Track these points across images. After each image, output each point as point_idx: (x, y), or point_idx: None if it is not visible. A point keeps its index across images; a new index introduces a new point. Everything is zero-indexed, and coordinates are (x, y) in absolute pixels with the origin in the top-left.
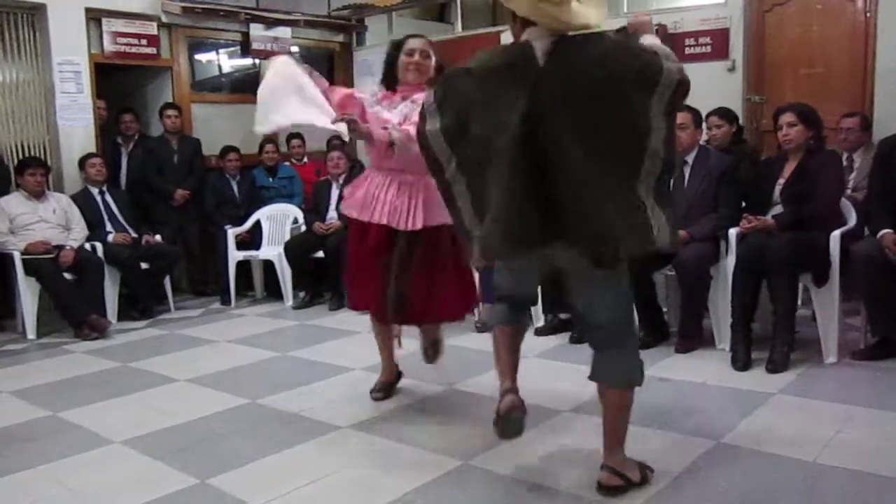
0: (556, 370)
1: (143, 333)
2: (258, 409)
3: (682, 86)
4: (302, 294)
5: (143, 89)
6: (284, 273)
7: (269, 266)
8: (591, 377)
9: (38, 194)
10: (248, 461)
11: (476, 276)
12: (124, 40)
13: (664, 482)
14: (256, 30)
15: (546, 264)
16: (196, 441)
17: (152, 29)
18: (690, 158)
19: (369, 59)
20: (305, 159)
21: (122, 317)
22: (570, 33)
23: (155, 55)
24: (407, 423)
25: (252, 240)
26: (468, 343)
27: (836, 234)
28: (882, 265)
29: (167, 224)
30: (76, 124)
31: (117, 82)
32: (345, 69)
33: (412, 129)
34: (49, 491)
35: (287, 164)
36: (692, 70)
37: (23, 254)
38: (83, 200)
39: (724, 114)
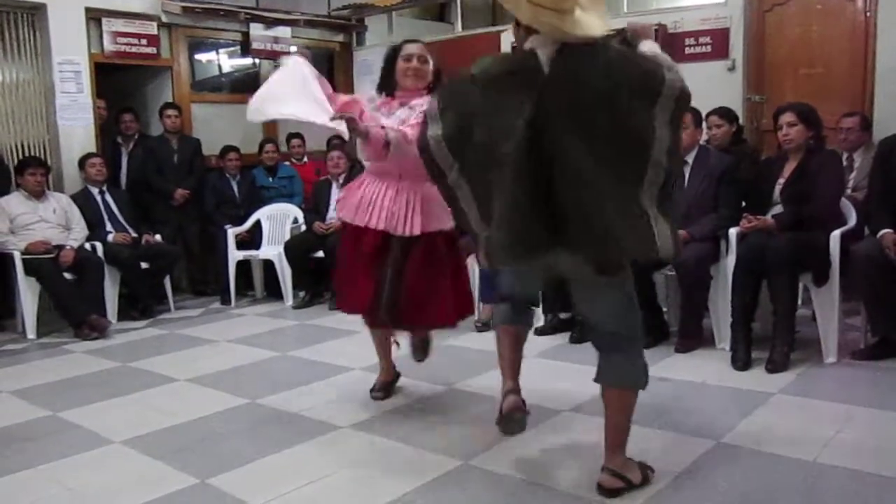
0: (556, 370)
1: (143, 333)
2: (258, 408)
3: (683, 98)
4: (302, 294)
5: (143, 89)
6: (284, 273)
7: (269, 266)
8: (596, 379)
9: (38, 194)
10: (248, 461)
11: (476, 276)
12: (124, 40)
13: (664, 482)
14: (256, 29)
15: (549, 270)
16: (196, 441)
17: (152, 29)
18: (690, 158)
19: (369, 58)
20: (305, 159)
21: (122, 316)
22: (574, 42)
23: (155, 55)
24: (407, 423)
25: (252, 239)
26: (468, 343)
27: (836, 234)
28: (882, 265)
29: (167, 224)
30: (76, 124)
31: (117, 82)
32: (345, 69)
33: (409, 132)
34: (49, 491)
35: (287, 163)
36: (692, 70)
37: (23, 253)
38: (83, 200)
39: (724, 113)
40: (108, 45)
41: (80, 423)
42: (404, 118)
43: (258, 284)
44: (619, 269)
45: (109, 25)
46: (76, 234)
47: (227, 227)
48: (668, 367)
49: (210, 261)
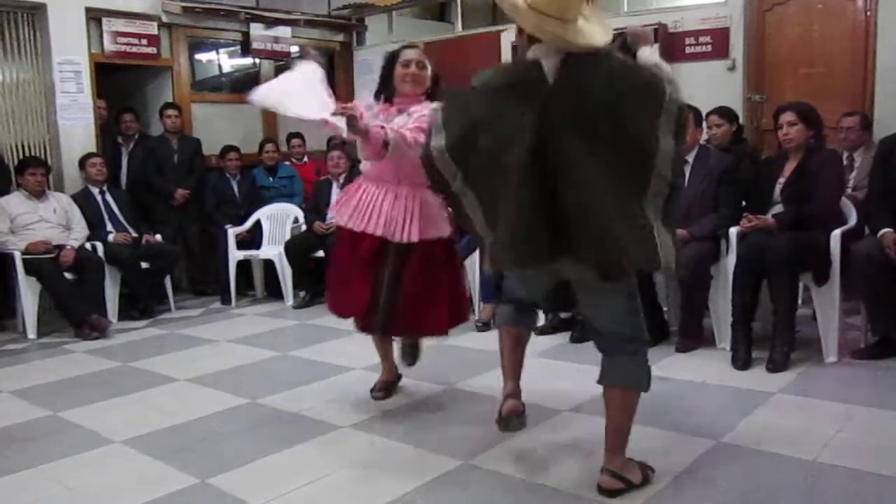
0: (556, 370)
1: (144, 333)
2: (258, 408)
3: (683, 112)
4: (302, 293)
5: (144, 89)
6: (285, 272)
7: (269, 265)
8: (600, 381)
9: (38, 194)
10: (249, 461)
11: (477, 276)
12: (124, 40)
13: (664, 481)
14: (256, 29)
15: (554, 274)
16: (196, 441)
17: (152, 28)
18: (691, 157)
19: (369, 58)
20: (305, 159)
21: (122, 316)
22: (578, 51)
23: (155, 55)
24: (407, 423)
25: (252, 239)
26: (468, 343)
27: (836, 234)
28: (882, 264)
29: (167, 224)
30: (76, 124)
31: (117, 82)
32: (345, 69)
33: (408, 134)
34: (49, 490)
35: (287, 163)
36: (692, 69)
37: (23, 253)
38: (83, 200)
39: (724, 113)
40: (109, 45)
41: (80, 422)
42: (402, 125)
43: (258, 284)
44: (622, 275)
45: (110, 25)
46: (76, 234)
47: (227, 226)
48: (668, 367)
49: (210, 261)
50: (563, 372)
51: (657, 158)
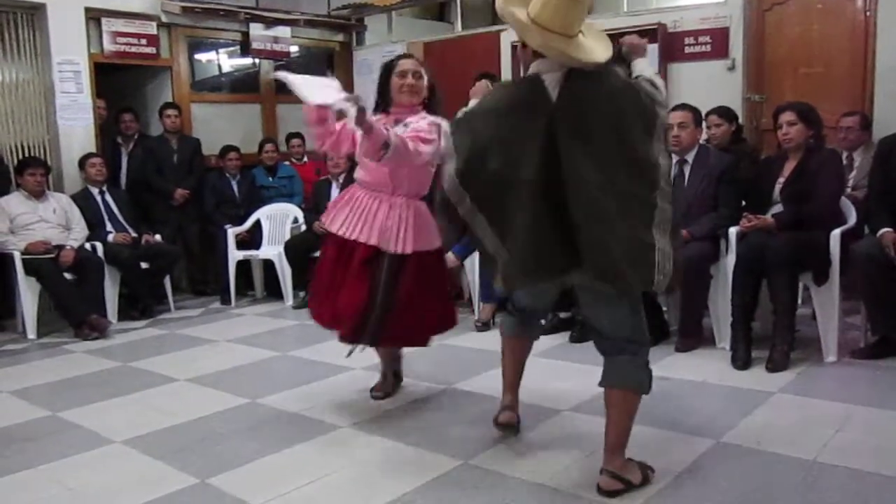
0: (555, 369)
1: (143, 333)
2: (258, 408)
3: (667, 135)
4: (302, 293)
5: (143, 89)
6: (284, 272)
7: (269, 265)
8: (601, 382)
9: (38, 194)
10: (248, 461)
11: (476, 277)
12: (124, 40)
13: (664, 481)
14: (256, 29)
15: (563, 284)
16: (196, 441)
17: (152, 29)
18: (690, 157)
19: (369, 58)
20: (305, 159)
21: (122, 316)
22: (581, 67)
23: (154, 55)
24: (407, 423)
25: (252, 239)
26: (468, 343)
27: (836, 233)
28: (882, 264)
29: (167, 224)
30: (76, 124)
31: (117, 82)
32: (345, 69)
33: (409, 143)
34: (49, 491)
35: (287, 163)
36: (692, 69)
37: (23, 254)
38: (83, 200)
39: (724, 113)
40: (108, 45)
41: (80, 423)
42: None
43: (258, 284)
44: (629, 288)
45: (109, 25)
46: (76, 234)
47: (226, 226)
48: (668, 367)
49: (210, 261)
50: (562, 372)
51: (658, 173)
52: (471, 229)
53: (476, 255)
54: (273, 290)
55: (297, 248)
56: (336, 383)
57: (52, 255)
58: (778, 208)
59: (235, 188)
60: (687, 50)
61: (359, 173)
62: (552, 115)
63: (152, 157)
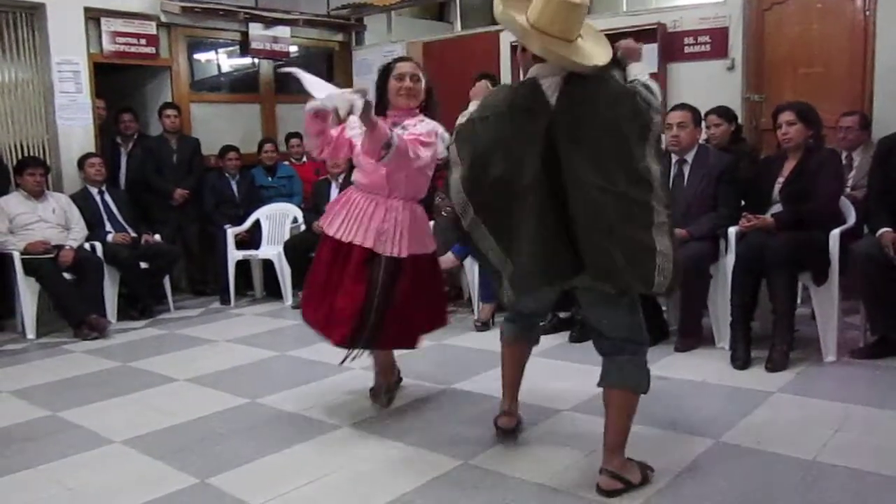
0: (555, 369)
1: (143, 333)
2: (258, 408)
3: (660, 142)
4: (301, 293)
5: (143, 89)
6: (284, 272)
7: (268, 265)
8: (600, 383)
9: (37, 194)
10: (248, 461)
11: (476, 277)
12: (123, 40)
13: (664, 481)
14: (255, 29)
15: (566, 286)
16: (196, 441)
17: (151, 28)
18: (690, 157)
19: (368, 58)
20: (305, 158)
21: (121, 316)
22: (580, 71)
23: (154, 55)
24: (407, 423)
25: (251, 239)
26: (468, 343)
27: (835, 233)
28: (881, 264)
29: (166, 224)
30: (75, 124)
31: (116, 82)
32: (344, 69)
33: (410, 146)
34: (49, 490)
35: (286, 163)
36: (691, 69)
37: (22, 253)
38: (82, 200)
39: (723, 112)
40: (107, 45)
41: (79, 422)
42: None
43: (257, 284)
44: (627, 290)
45: (108, 25)
46: (75, 234)
47: (226, 226)
48: (667, 366)
49: (209, 261)
50: (562, 371)
51: (652, 178)
52: (472, 243)
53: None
54: (272, 290)
55: (297, 248)
56: (335, 383)
57: (51, 255)
58: (777, 208)
59: (235, 188)
60: (686, 50)
61: (356, 176)
62: (551, 120)
63: (152, 157)
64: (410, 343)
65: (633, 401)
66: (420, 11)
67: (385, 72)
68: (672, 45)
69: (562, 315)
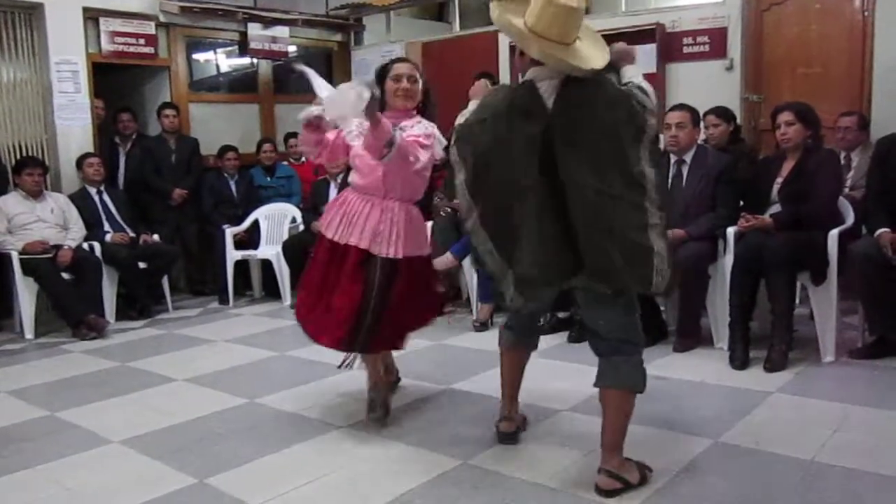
0: (554, 369)
1: (141, 333)
2: (256, 408)
3: (656, 143)
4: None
5: (141, 89)
6: (282, 272)
7: (267, 265)
8: (597, 383)
9: (35, 194)
10: (247, 461)
11: (475, 277)
12: (122, 40)
13: (662, 481)
14: (254, 29)
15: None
16: (194, 441)
17: (150, 28)
18: (688, 157)
19: (367, 58)
20: (304, 158)
21: (120, 316)
22: (578, 75)
23: (153, 55)
24: (406, 423)
25: (250, 239)
26: (467, 343)
27: (834, 233)
28: (880, 264)
29: (165, 224)
30: (74, 124)
31: (115, 82)
32: (343, 69)
33: (410, 147)
34: (47, 491)
35: (285, 163)
36: (690, 69)
37: (21, 253)
38: (81, 200)
39: (722, 113)
40: (106, 45)
41: (78, 422)
42: None
43: (256, 284)
44: (625, 290)
45: (107, 25)
46: (74, 234)
47: (225, 226)
48: (666, 367)
49: (208, 261)
50: (561, 372)
51: (646, 182)
52: (473, 246)
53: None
54: (271, 290)
55: (295, 248)
56: (335, 383)
57: (49, 255)
58: (776, 208)
59: (234, 188)
60: (685, 50)
61: (352, 177)
62: (548, 122)
63: (150, 156)
64: (400, 345)
65: (630, 400)
66: (419, 11)
67: (382, 73)
68: (671, 46)
69: (561, 315)
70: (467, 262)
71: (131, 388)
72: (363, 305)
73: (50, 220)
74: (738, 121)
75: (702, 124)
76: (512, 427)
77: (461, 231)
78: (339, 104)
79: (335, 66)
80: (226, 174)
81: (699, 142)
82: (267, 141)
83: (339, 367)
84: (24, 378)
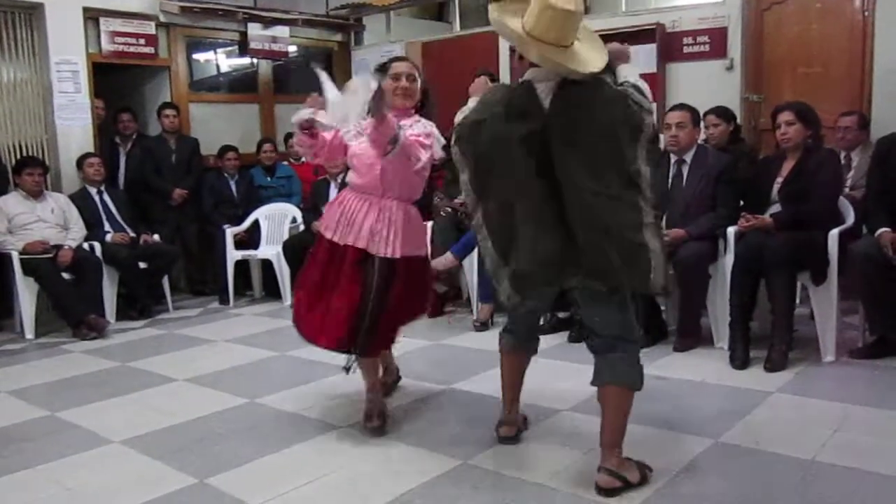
0: (554, 369)
1: (142, 333)
2: (257, 408)
3: (654, 142)
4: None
5: (141, 89)
6: (283, 272)
7: (267, 265)
8: (594, 381)
9: (36, 194)
10: (247, 461)
11: (475, 277)
12: (122, 40)
13: (662, 481)
14: (254, 29)
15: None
16: (195, 441)
17: (150, 28)
18: (689, 157)
19: (367, 58)
20: (304, 158)
21: (120, 316)
22: (575, 77)
23: (153, 55)
24: (406, 423)
25: (250, 239)
26: (467, 343)
27: (834, 233)
28: (880, 264)
29: (165, 224)
30: (74, 124)
31: (115, 82)
32: (343, 68)
33: (411, 147)
34: (48, 491)
35: (285, 163)
36: (690, 69)
37: (21, 253)
38: (81, 200)
39: (722, 113)
40: (106, 45)
41: (78, 423)
42: None
43: (256, 284)
44: (621, 288)
45: (107, 25)
46: (74, 234)
47: (225, 226)
48: (666, 366)
49: (208, 261)
50: (561, 371)
51: (641, 182)
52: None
53: (475, 255)
54: (271, 290)
55: (296, 248)
56: (335, 383)
57: (50, 255)
58: (776, 208)
59: (234, 188)
60: (685, 50)
61: (350, 177)
62: (545, 123)
63: (150, 156)
64: (393, 343)
65: (628, 398)
66: (419, 11)
67: (381, 71)
68: (671, 46)
69: (561, 315)
70: (467, 262)
71: (132, 388)
72: (361, 308)
73: (50, 220)
74: (739, 121)
75: (702, 124)
76: (512, 431)
77: (461, 231)
78: (345, 103)
79: (335, 66)
80: (226, 174)
81: (699, 142)
82: (267, 141)
83: (346, 371)
84: (24, 378)
